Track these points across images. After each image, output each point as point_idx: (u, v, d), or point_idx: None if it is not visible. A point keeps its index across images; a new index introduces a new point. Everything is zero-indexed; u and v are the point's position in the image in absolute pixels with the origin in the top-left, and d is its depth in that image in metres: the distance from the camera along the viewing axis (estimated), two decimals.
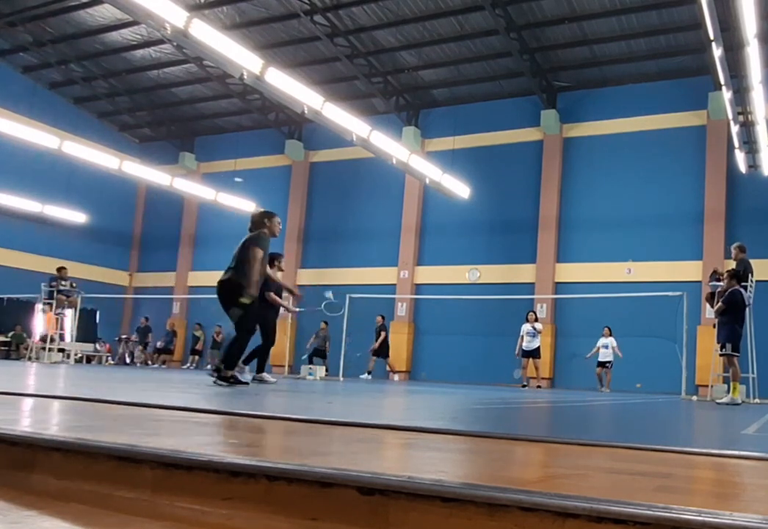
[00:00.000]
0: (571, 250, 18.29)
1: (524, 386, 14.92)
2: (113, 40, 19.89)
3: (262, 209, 7.53)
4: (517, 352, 15.28)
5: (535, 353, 15.13)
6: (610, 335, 15.55)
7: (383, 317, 17.53)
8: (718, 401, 9.34)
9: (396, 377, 17.85)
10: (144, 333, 21.91)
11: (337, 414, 3.73)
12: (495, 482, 1.36)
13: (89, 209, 21.71)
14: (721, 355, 9.57)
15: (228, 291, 6.44)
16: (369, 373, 17.00)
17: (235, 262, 6.55)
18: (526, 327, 15.21)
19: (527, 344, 15.06)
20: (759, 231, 15.96)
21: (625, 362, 16.03)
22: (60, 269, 16.02)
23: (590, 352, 15.65)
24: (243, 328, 6.53)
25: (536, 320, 15.44)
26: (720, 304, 9.42)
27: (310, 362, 17.02)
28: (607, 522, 1.09)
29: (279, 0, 17.06)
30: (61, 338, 16.34)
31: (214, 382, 6.45)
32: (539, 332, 15.15)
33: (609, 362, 15.45)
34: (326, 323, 18.10)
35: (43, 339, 16.29)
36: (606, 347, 15.48)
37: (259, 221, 6.81)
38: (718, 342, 9.54)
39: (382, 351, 17.23)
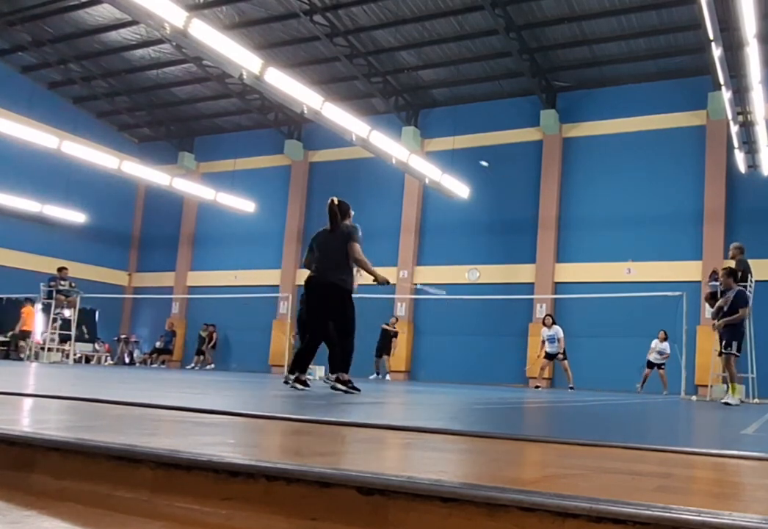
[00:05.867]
0: (570, 251, 18.28)
1: (537, 387, 14.98)
2: (112, 39, 19.88)
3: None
4: (539, 354, 15.33)
5: (558, 356, 15.17)
6: (666, 339, 15.27)
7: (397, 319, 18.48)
8: (722, 401, 9.08)
9: (388, 377, 17.87)
10: None
11: (337, 414, 3.73)
12: (494, 482, 1.36)
13: (88, 209, 21.69)
14: (723, 353, 9.28)
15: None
16: (377, 373, 17.54)
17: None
18: (543, 332, 15.20)
19: (549, 348, 15.08)
20: (759, 231, 15.95)
21: (624, 363, 16.04)
22: (60, 269, 16.03)
23: (650, 351, 15.50)
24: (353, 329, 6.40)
25: (554, 323, 15.19)
26: (742, 310, 9.09)
27: None
28: (606, 522, 1.08)
29: (278, 0, 17.06)
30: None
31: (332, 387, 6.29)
32: (558, 340, 14.98)
33: (662, 364, 15.36)
34: None
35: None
36: (661, 354, 15.34)
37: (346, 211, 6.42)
38: (722, 341, 9.36)
39: (386, 350, 17.76)
